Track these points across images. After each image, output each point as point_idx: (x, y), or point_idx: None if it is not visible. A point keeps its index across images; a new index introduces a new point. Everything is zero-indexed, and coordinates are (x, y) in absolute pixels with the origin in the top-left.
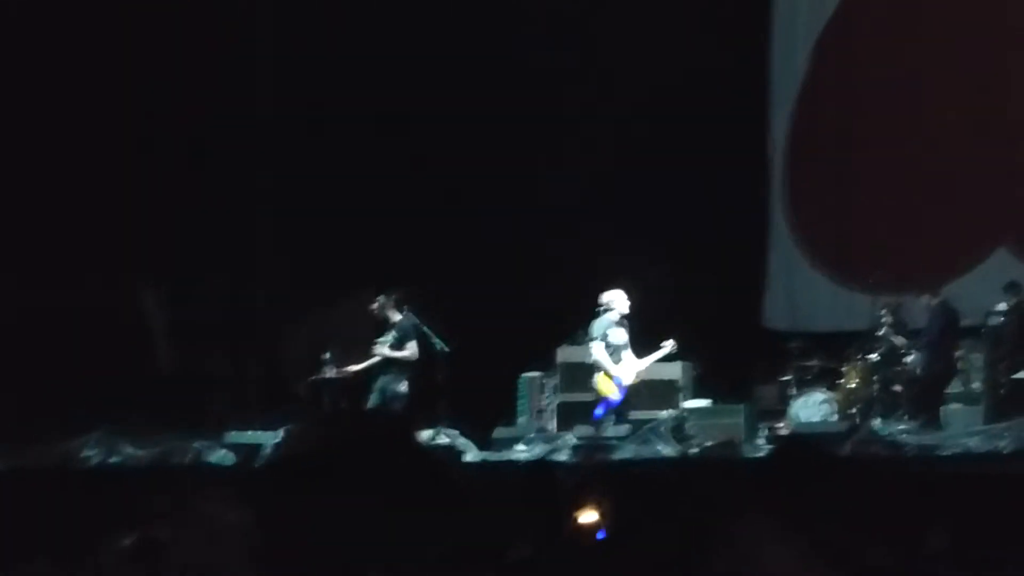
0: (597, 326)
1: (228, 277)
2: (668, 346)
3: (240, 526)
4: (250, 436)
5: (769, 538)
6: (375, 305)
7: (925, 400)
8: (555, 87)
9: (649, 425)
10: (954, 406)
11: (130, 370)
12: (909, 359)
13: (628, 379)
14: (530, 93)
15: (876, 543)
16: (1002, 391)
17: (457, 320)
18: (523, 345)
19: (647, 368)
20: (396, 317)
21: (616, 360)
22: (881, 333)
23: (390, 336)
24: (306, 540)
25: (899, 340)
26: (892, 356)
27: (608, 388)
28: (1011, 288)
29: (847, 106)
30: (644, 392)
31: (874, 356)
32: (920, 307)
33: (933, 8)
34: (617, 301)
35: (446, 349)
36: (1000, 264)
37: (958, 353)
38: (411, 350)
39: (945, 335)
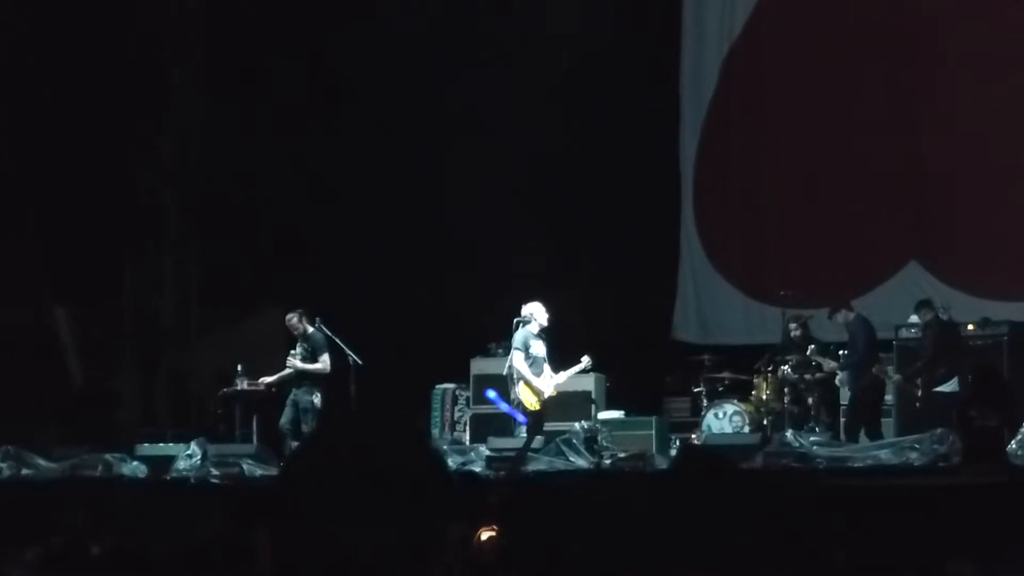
0: (519, 337)
1: (138, 291)
2: (585, 362)
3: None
4: (162, 448)
5: (677, 551)
6: (289, 318)
7: (865, 416)
8: (466, 102)
9: (562, 437)
10: (885, 420)
11: (40, 385)
12: (837, 379)
13: (549, 391)
14: (439, 107)
15: (785, 555)
16: (917, 404)
17: (370, 332)
18: (436, 357)
19: (565, 380)
20: (308, 330)
21: (536, 372)
22: (791, 344)
23: (302, 349)
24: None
25: (825, 361)
26: (803, 367)
27: (529, 398)
28: (923, 306)
29: (755, 120)
30: (558, 403)
31: (785, 368)
32: (836, 321)
33: (838, 24)
34: (538, 313)
35: (359, 361)
36: (910, 278)
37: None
38: (323, 363)
39: (869, 350)
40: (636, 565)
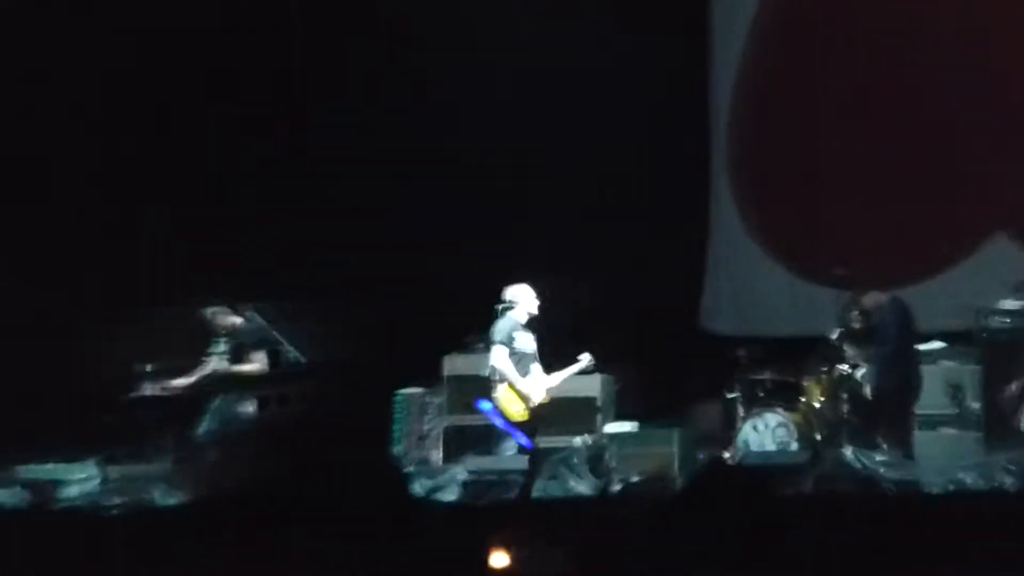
0: (499, 329)
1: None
2: (585, 360)
3: None
4: (49, 471)
5: None
6: (209, 312)
7: (884, 423)
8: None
9: (560, 455)
10: (945, 431)
11: None
12: (859, 374)
13: (537, 396)
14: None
15: None
16: (1010, 414)
17: (317, 324)
18: (401, 355)
19: (560, 383)
20: (236, 321)
21: (522, 372)
22: (850, 337)
23: (229, 345)
24: None
25: (849, 349)
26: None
27: (514, 405)
28: None
29: (806, 67)
30: (554, 413)
31: (844, 367)
32: (862, 306)
33: None
34: (524, 298)
35: (302, 360)
36: (998, 254)
37: (934, 366)
38: (257, 362)
39: (904, 340)
40: None
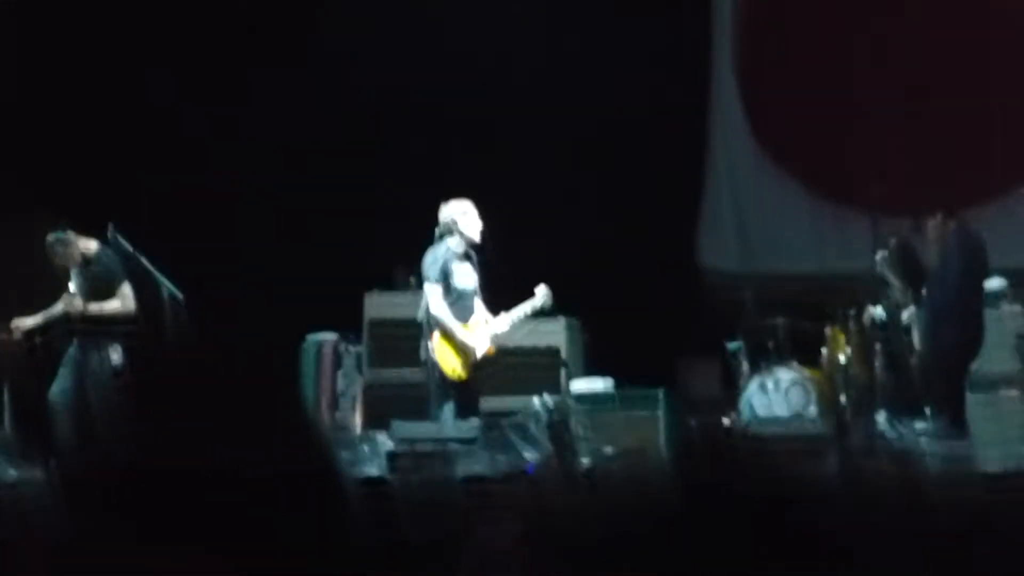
0: (432, 260)
1: None
2: (541, 295)
3: None
4: None
5: None
6: (53, 239)
7: (931, 383)
8: None
9: (511, 419)
10: (1006, 393)
11: None
12: (906, 316)
13: (481, 346)
14: None
15: None
16: None
17: (201, 252)
18: (309, 293)
19: (511, 328)
20: (93, 249)
21: (461, 315)
22: (889, 275)
23: (85, 279)
24: None
25: (901, 289)
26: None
27: (451, 359)
28: None
29: None
30: (504, 366)
31: (877, 312)
32: (927, 235)
33: None
34: (463, 220)
35: (179, 297)
36: None
37: (994, 311)
38: (121, 300)
39: (967, 284)
40: None
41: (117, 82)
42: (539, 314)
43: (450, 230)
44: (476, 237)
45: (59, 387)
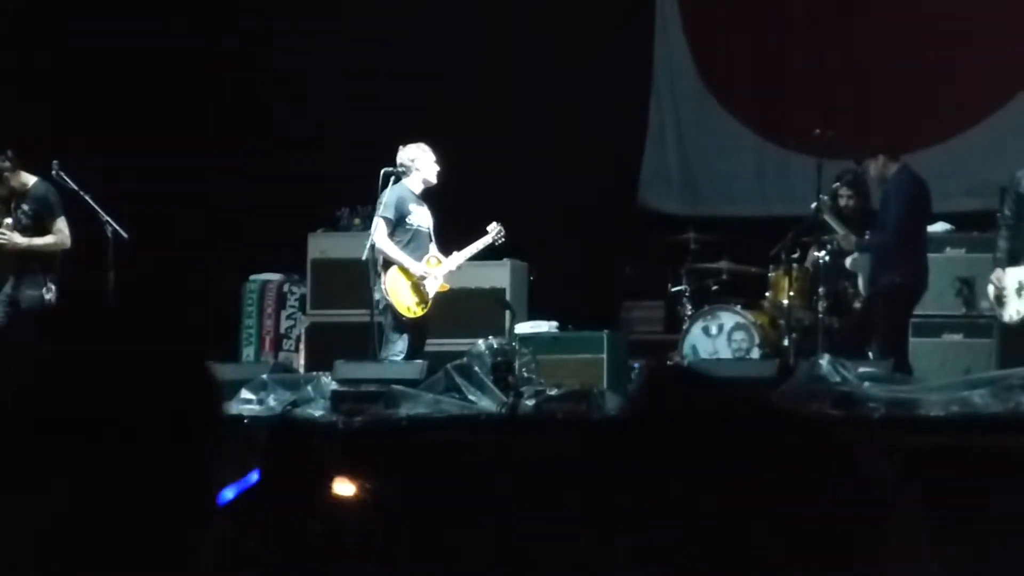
0: (388, 198)
1: None
2: (493, 232)
3: None
4: None
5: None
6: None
7: (874, 326)
8: None
9: (456, 362)
10: (949, 337)
11: None
12: (849, 262)
13: (433, 285)
14: None
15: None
16: None
17: (143, 189)
18: (252, 229)
19: (457, 268)
20: (29, 181)
21: (415, 254)
22: (832, 217)
23: (21, 213)
24: None
25: (846, 237)
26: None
27: (405, 297)
28: None
29: None
30: (451, 306)
31: (821, 255)
32: (868, 174)
33: None
34: (421, 160)
35: (122, 233)
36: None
37: (938, 255)
38: (58, 234)
39: (909, 224)
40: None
41: (66, 17)
42: (485, 255)
43: (408, 170)
44: (433, 178)
45: None
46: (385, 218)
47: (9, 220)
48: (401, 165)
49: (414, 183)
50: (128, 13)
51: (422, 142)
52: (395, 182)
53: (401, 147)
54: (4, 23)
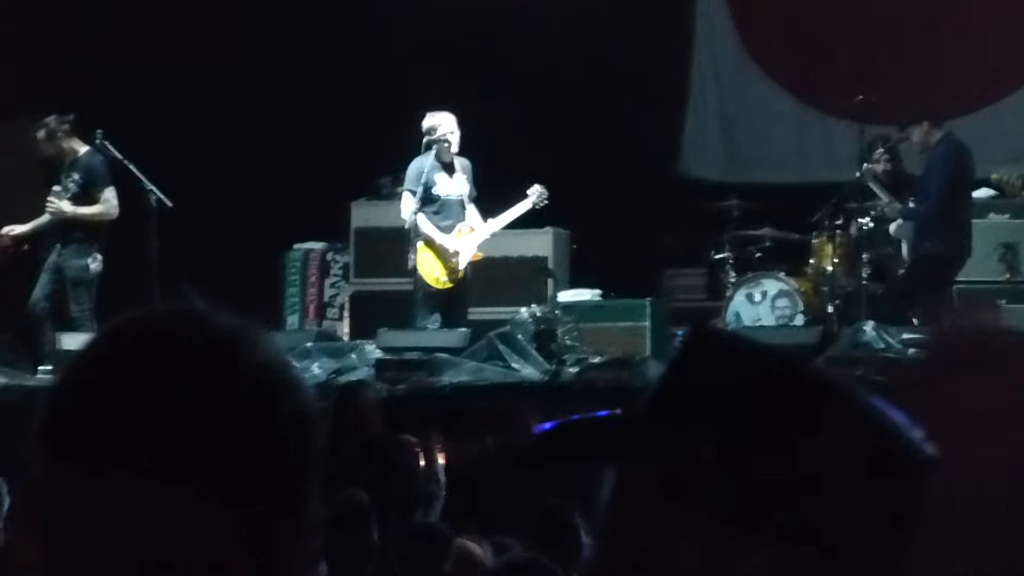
0: (413, 170)
1: None
2: (534, 194)
3: None
4: None
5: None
6: (42, 130)
7: (918, 293)
8: None
9: (499, 330)
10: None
11: None
12: (892, 229)
13: (466, 254)
14: None
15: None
16: None
17: (189, 158)
18: (295, 201)
19: (498, 233)
20: (80, 150)
21: (445, 224)
22: (873, 183)
23: (71, 182)
24: None
25: (891, 205)
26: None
27: (433, 268)
28: None
29: None
30: (490, 275)
31: (864, 221)
32: (911, 140)
33: None
34: (445, 126)
35: (167, 203)
36: None
37: (981, 220)
38: (106, 204)
39: (952, 193)
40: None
41: None
42: (527, 222)
43: (432, 139)
44: (455, 146)
45: (40, 293)
46: (409, 190)
47: (57, 188)
48: (427, 133)
49: (440, 152)
50: None
51: (466, 109)
52: (424, 151)
53: (428, 115)
54: None
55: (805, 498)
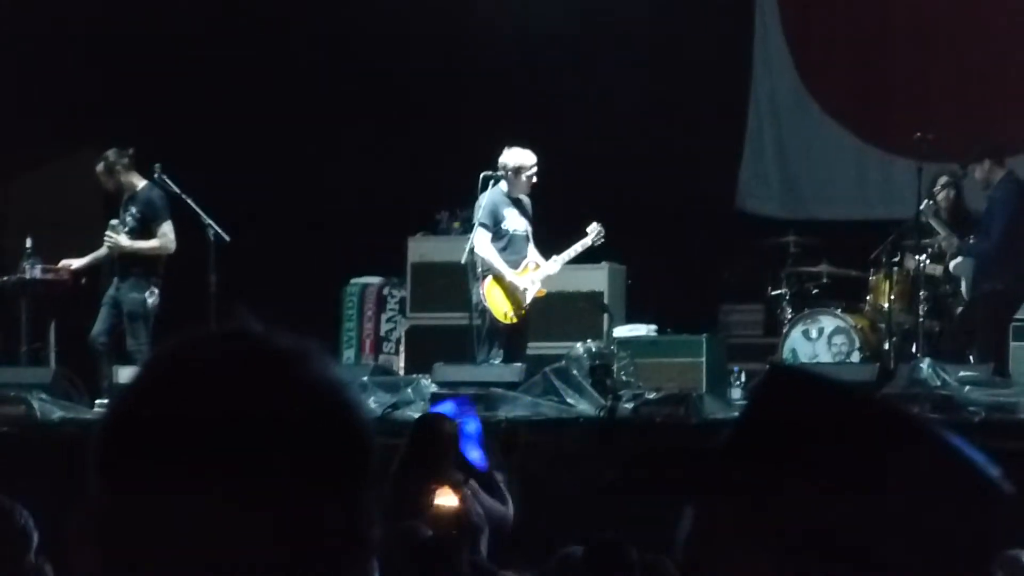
0: (484, 204)
1: None
2: (593, 232)
3: None
4: None
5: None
6: (102, 165)
7: (980, 333)
8: None
9: (554, 365)
10: None
11: None
12: (952, 266)
13: (531, 291)
14: None
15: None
16: None
17: (247, 193)
18: (352, 235)
19: (558, 272)
20: (139, 184)
21: (512, 259)
22: (933, 220)
23: (130, 216)
24: None
25: (950, 240)
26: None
27: (502, 303)
28: None
29: None
30: (549, 310)
31: (922, 259)
32: (973, 177)
33: None
34: (518, 163)
35: (225, 237)
36: None
37: None
38: (163, 238)
39: (1012, 229)
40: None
41: (167, 25)
42: (585, 259)
43: (503, 174)
44: (528, 187)
45: (100, 327)
46: (483, 224)
47: (115, 221)
48: (501, 168)
49: (511, 187)
50: (228, 15)
51: (523, 145)
52: (493, 184)
53: (506, 149)
54: (109, 27)
55: (895, 534)
